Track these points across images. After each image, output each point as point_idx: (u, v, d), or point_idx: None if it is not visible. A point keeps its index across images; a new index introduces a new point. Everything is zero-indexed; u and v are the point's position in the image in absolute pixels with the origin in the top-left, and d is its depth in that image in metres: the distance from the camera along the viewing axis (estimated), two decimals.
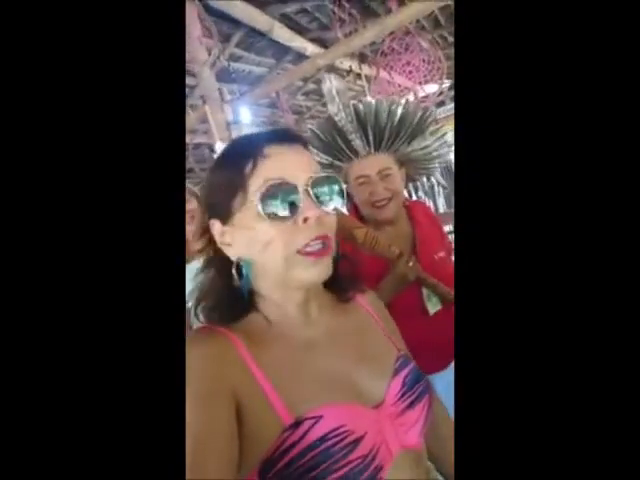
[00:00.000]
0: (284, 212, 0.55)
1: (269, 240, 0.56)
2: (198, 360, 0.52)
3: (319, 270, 0.56)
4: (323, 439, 0.50)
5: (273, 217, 0.55)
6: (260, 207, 0.55)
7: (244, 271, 0.60)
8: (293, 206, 0.55)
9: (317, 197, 0.57)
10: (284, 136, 0.59)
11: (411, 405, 0.60)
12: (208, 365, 0.52)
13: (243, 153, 0.58)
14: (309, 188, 0.56)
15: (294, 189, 0.55)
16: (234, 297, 0.60)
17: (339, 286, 0.69)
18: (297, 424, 0.50)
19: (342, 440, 0.50)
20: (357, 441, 0.51)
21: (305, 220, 0.55)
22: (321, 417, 0.51)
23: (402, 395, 0.60)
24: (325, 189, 0.58)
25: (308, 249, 0.55)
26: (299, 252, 0.55)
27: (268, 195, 0.55)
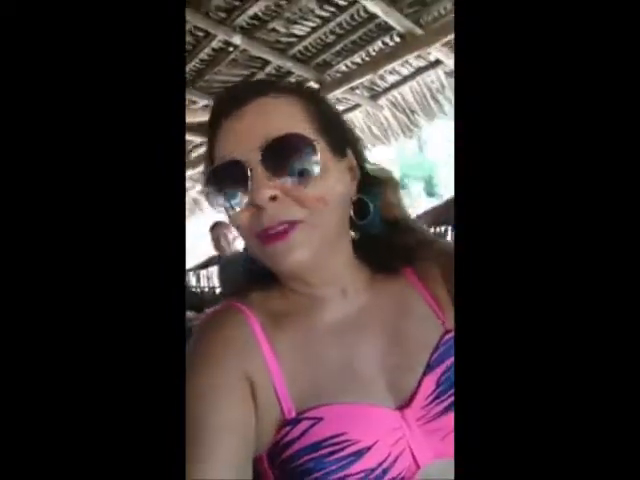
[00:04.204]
0: (230, 202, 0.48)
1: (237, 227, 0.51)
2: (213, 340, 0.50)
3: (289, 255, 0.47)
4: (318, 446, 0.46)
5: (224, 209, 0.50)
6: (206, 199, 0.50)
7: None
8: (242, 191, 0.47)
9: (272, 170, 0.46)
10: (245, 92, 0.51)
11: (449, 408, 0.50)
12: (223, 345, 0.50)
13: (207, 134, 0.53)
14: (259, 160, 0.46)
15: (241, 167, 0.47)
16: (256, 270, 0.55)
17: (379, 255, 0.59)
18: (296, 421, 0.47)
19: (340, 450, 0.45)
20: (361, 452, 0.45)
21: (258, 208, 0.47)
22: (321, 419, 0.47)
23: (436, 397, 0.50)
24: (282, 156, 0.46)
25: (269, 232, 0.47)
26: (258, 238, 0.48)
27: (212, 184, 0.50)
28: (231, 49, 2.70)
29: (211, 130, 0.52)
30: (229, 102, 0.51)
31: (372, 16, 2.55)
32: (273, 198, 0.46)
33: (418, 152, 18.09)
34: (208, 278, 5.07)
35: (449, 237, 2.86)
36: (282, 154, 0.46)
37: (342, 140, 0.55)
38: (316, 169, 0.48)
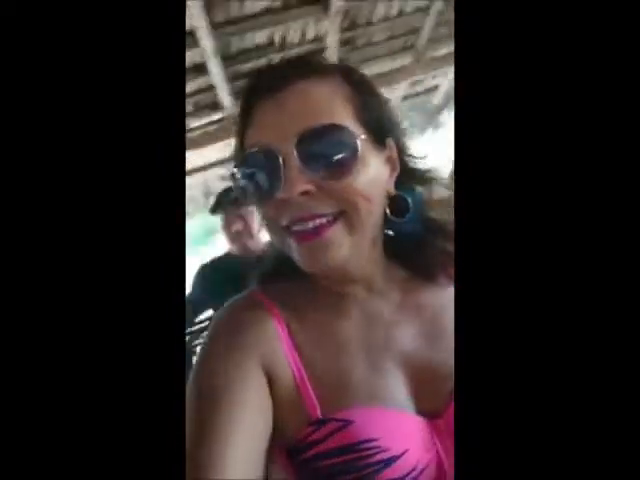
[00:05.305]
0: (260, 193, 0.47)
1: (266, 220, 0.50)
2: (233, 331, 0.50)
3: (324, 255, 0.46)
4: (346, 450, 0.44)
5: (251, 200, 0.49)
6: (234, 188, 0.48)
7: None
8: (273, 182, 0.45)
9: (306, 162, 0.44)
10: (286, 74, 0.48)
11: None
12: (240, 333, 0.50)
13: (239, 115, 0.51)
14: (294, 151, 0.44)
15: (274, 157, 0.45)
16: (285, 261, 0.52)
17: (417, 257, 0.57)
18: (322, 422, 0.46)
19: (369, 457, 0.44)
20: (390, 460, 0.44)
21: (285, 200, 0.45)
22: (351, 423, 0.45)
23: None
24: (318, 148, 0.44)
25: (296, 228, 0.46)
26: (290, 234, 0.47)
27: (241, 172, 0.48)
28: None
29: (243, 112, 0.50)
30: (267, 83, 0.48)
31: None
32: (305, 193, 0.45)
33: None
34: None
35: None
36: (319, 146, 0.45)
37: (383, 129, 0.51)
38: (356, 163, 0.46)
